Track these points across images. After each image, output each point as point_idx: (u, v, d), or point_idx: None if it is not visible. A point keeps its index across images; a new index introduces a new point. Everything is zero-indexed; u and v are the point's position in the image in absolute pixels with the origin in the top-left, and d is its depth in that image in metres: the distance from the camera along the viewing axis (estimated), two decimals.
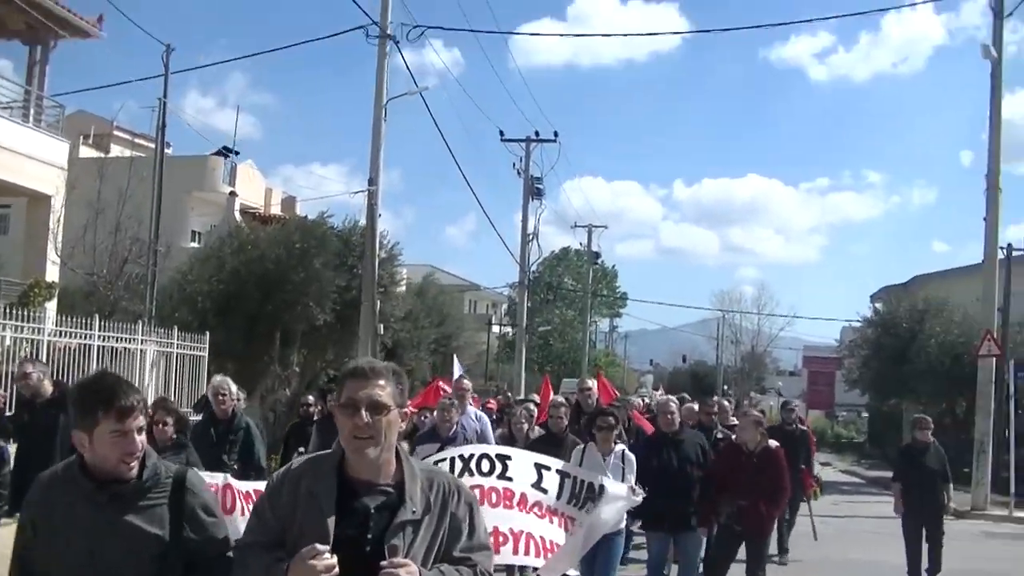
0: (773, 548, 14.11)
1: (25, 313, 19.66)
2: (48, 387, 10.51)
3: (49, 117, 28.91)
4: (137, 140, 44.04)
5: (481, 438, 12.37)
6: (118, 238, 29.19)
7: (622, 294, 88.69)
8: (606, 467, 9.87)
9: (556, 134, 45.74)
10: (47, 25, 27.72)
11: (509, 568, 10.58)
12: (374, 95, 26.01)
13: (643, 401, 23.53)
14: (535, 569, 9.24)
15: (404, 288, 36.45)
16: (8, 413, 12.23)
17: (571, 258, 79.85)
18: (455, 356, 25.07)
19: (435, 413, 12.61)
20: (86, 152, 40.82)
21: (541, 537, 8.63)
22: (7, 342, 18.83)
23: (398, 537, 3.65)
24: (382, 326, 26.70)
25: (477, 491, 8.47)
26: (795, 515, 16.63)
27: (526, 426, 12.24)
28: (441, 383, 18.50)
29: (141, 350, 22.11)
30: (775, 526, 12.84)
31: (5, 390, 14.39)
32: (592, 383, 14.99)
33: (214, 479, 8.10)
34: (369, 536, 3.67)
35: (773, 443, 11.41)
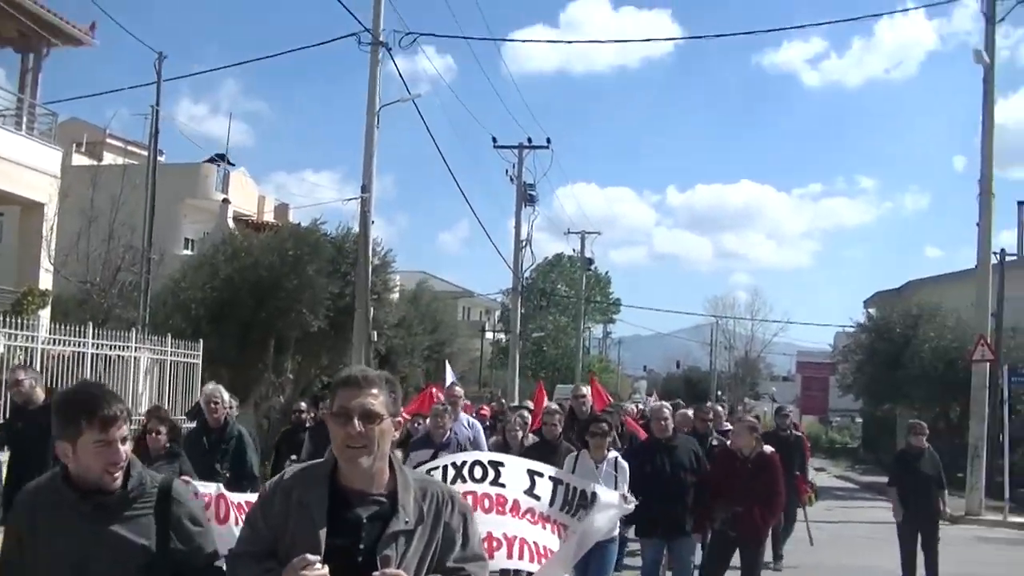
0: (768, 555, 14.06)
1: (19, 321, 19.64)
2: (40, 394, 10.49)
3: (42, 125, 28.91)
4: (130, 148, 44.03)
5: (474, 445, 12.37)
6: (111, 246, 29.22)
7: (616, 300, 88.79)
8: (598, 475, 9.88)
9: (549, 140, 45.76)
10: (39, 33, 27.73)
11: (504, 573, 10.57)
12: (366, 102, 26.00)
13: (637, 407, 23.55)
14: (529, 574, 9.25)
15: (397, 295, 36.42)
16: (0, 421, 12.21)
17: (564, 264, 79.82)
18: (447, 362, 25.03)
19: (428, 420, 12.60)
20: (79, 160, 40.83)
21: (535, 542, 8.63)
22: (0, 350, 18.81)
23: (390, 547, 3.62)
24: (376, 333, 26.68)
25: (470, 497, 8.47)
26: (792, 522, 16.62)
27: (520, 433, 12.22)
28: (435, 389, 18.48)
29: (135, 357, 22.09)
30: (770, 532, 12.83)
31: None
32: (587, 390, 14.89)
33: (208, 488, 8.09)
34: (361, 546, 3.64)
35: (768, 449, 11.40)
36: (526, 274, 51.77)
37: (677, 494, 10.96)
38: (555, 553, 8.77)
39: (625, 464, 10.38)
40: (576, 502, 9.12)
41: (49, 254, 27.62)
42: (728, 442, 12.45)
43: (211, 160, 45.14)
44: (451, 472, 8.86)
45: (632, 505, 9.65)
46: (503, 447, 11.93)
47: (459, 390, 15.42)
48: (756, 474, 10.93)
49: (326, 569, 3.49)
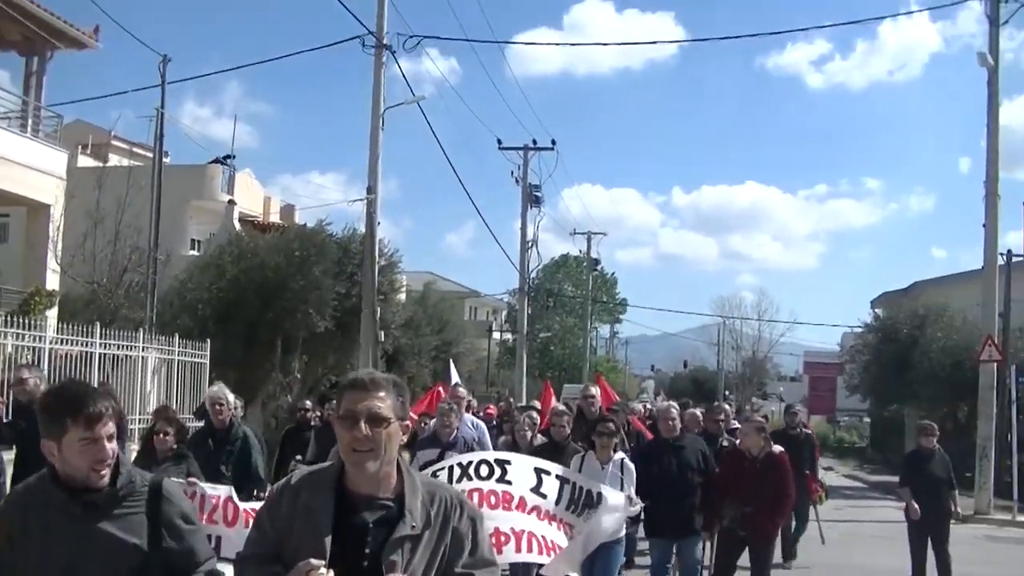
0: (777, 556, 13.98)
1: (26, 321, 19.65)
2: None
3: (47, 127, 28.93)
4: (135, 149, 44.10)
5: (480, 446, 12.33)
6: (117, 246, 29.19)
7: (622, 300, 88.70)
8: (604, 475, 9.84)
9: (554, 142, 45.73)
10: (43, 36, 27.73)
11: (513, 567, 10.55)
12: (371, 104, 26.00)
13: (644, 407, 23.51)
14: (539, 567, 9.25)
15: (404, 295, 36.46)
16: (6, 420, 12.19)
17: (571, 265, 79.77)
18: (451, 362, 25.02)
19: (435, 419, 12.58)
20: (84, 162, 40.79)
21: (543, 536, 8.64)
22: (8, 350, 18.82)
23: (397, 552, 3.58)
24: (382, 333, 26.70)
25: (476, 495, 8.49)
26: (805, 520, 16.51)
27: (530, 433, 12.17)
28: (441, 389, 18.46)
29: (142, 357, 22.10)
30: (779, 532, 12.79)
31: (3, 397, 14.35)
32: (595, 390, 14.75)
33: (217, 491, 8.10)
34: (367, 551, 3.60)
35: (777, 448, 11.37)
36: (532, 275, 51.79)
37: (684, 494, 10.95)
38: (563, 549, 8.77)
39: (631, 466, 10.34)
40: (582, 501, 9.12)
41: (56, 255, 27.63)
42: (737, 442, 12.42)
43: (216, 161, 45.12)
44: (457, 471, 8.87)
45: (638, 507, 9.64)
46: (512, 447, 11.90)
47: (463, 391, 15.38)
48: (765, 474, 10.90)
49: (331, 573, 3.45)
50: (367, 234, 26.34)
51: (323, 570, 3.44)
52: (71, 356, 19.72)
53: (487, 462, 9.09)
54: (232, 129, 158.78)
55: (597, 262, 68.05)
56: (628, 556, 13.74)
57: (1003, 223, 26.33)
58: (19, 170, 26.22)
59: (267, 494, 4.04)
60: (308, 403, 16.78)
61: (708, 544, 11.51)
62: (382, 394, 3.70)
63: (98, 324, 21.04)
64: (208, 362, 24.06)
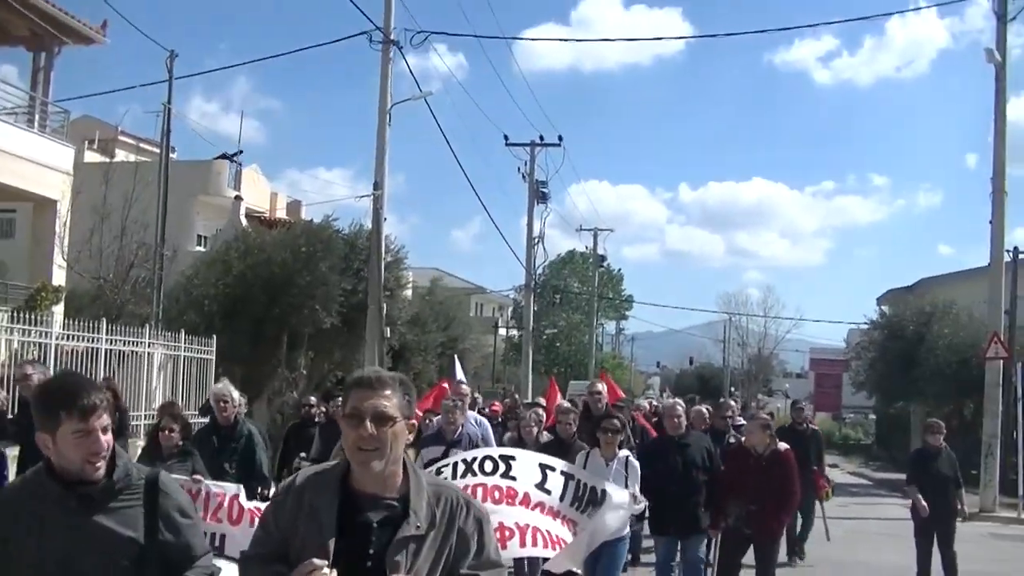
0: (782, 555, 13.94)
1: (32, 317, 19.68)
2: None
3: (54, 123, 28.97)
4: (142, 145, 44.05)
5: (483, 443, 12.31)
6: (124, 242, 29.25)
7: (628, 296, 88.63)
8: (609, 473, 9.82)
9: (560, 138, 45.59)
10: (51, 32, 27.76)
11: (517, 563, 10.56)
12: (378, 100, 26.00)
13: (650, 405, 23.49)
14: (544, 560, 9.26)
15: (410, 292, 36.46)
16: (10, 416, 12.20)
17: (577, 261, 79.67)
18: (456, 358, 25.04)
19: (440, 416, 12.58)
20: (91, 157, 40.85)
21: (548, 531, 8.64)
22: (15, 345, 18.86)
23: (401, 553, 3.54)
24: (388, 329, 26.71)
25: (480, 490, 8.50)
26: (811, 517, 16.46)
27: (536, 430, 12.17)
28: (446, 385, 18.43)
29: (148, 353, 22.12)
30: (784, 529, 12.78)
31: (8, 393, 14.36)
32: (602, 386, 14.69)
33: (223, 488, 8.10)
34: (371, 551, 3.57)
35: (783, 446, 11.35)
36: (539, 271, 51.71)
37: (689, 492, 10.93)
38: (567, 544, 8.78)
39: (636, 463, 10.31)
40: (586, 498, 9.12)
41: (62, 250, 27.69)
42: (743, 439, 12.40)
43: (223, 157, 45.13)
44: (461, 467, 8.88)
45: (642, 505, 9.64)
46: (518, 443, 11.90)
47: (466, 387, 15.36)
48: (770, 471, 10.89)
49: (334, 573, 3.43)
50: (373, 230, 26.35)
51: (326, 570, 3.43)
52: (77, 352, 19.74)
53: (491, 458, 9.10)
54: (239, 125, 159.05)
55: (603, 258, 67.99)
56: (633, 553, 13.79)
57: (1010, 220, 26.47)
58: (26, 165, 26.26)
59: (272, 493, 3.99)
60: (312, 399, 16.75)
61: (713, 542, 11.52)
62: (388, 392, 3.67)
63: (104, 320, 21.06)
64: (214, 358, 24.07)
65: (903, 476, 14.78)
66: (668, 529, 11.20)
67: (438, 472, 8.78)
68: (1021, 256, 33.40)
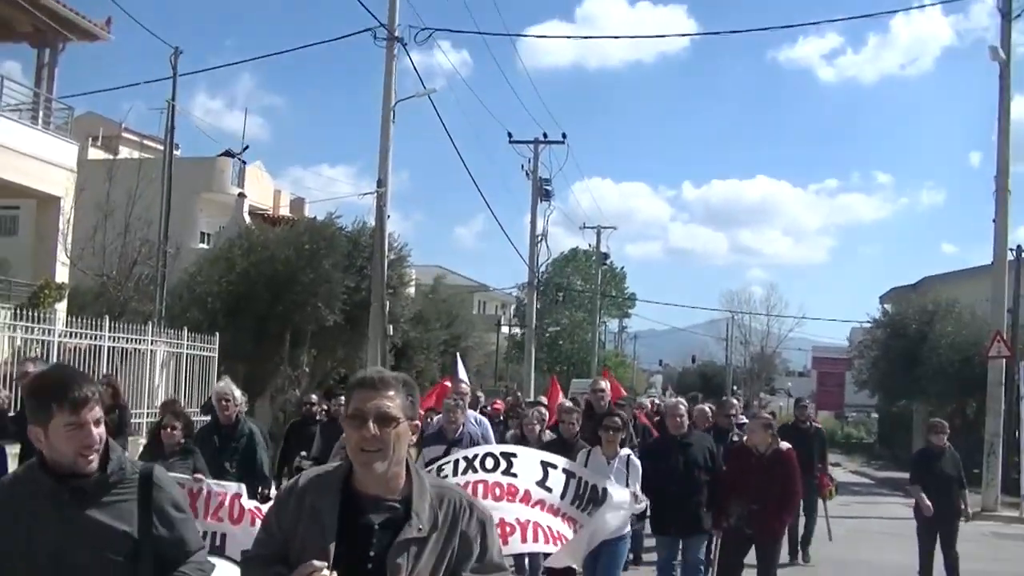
0: (784, 555, 13.89)
1: (35, 314, 19.70)
2: None
3: (58, 119, 28.97)
4: (146, 142, 44.13)
5: (484, 442, 12.30)
6: (127, 239, 29.27)
7: (631, 295, 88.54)
8: (609, 471, 9.80)
9: (564, 135, 45.60)
10: (55, 28, 27.77)
11: (518, 559, 10.56)
12: (382, 97, 26.00)
13: (652, 403, 23.48)
14: (545, 556, 9.26)
15: (413, 289, 36.46)
16: (11, 414, 12.21)
17: (580, 259, 79.57)
18: (458, 356, 25.05)
19: (441, 415, 12.58)
20: (95, 154, 40.90)
21: (548, 527, 8.65)
22: (17, 343, 18.88)
23: (402, 556, 3.51)
24: (391, 327, 26.72)
25: (481, 486, 8.52)
26: (813, 517, 16.33)
27: (538, 428, 12.17)
28: (448, 384, 18.40)
29: (151, 351, 22.14)
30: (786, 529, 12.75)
31: (10, 391, 14.38)
32: (605, 384, 14.64)
33: (224, 487, 8.10)
34: (372, 553, 3.54)
35: (784, 445, 11.34)
36: (542, 269, 51.70)
37: (691, 492, 10.90)
38: (568, 541, 8.79)
39: (637, 462, 10.27)
40: (587, 497, 9.13)
41: (65, 248, 27.70)
42: (744, 438, 12.38)
43: (225, 154, 45.16)
44: (462, 464, 8.88)
45: (643, 504, 9.63)
46: (521, 441, 11.90)
47: (465, 386, 15.34)
48: (772, 471, 10.87)
49: (334, 575, 3.42)
50: (377, 227, 26.36)
51: (325, 572, 3.41)
52: (80, 349, 19.76)
53: (493, 455, 9.11)
54: (243, 122, 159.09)
55: (606, 256, 67.92)
56: (635, 553, 13.77)
57: (1013, 218, 26.37)
58: (29, 162, 26.28)
59: (276, 494, 3.97)
60: (314, 397, 16.74)
61: (714, 541, 11.52)
62: (391, 393, 3.64)
63: (107, 317, 21.09)
64: (217, 355, 24.10)
65: (905, 475, 14.75)
66: (669, 529, 11.17)
67: (439, 469, 8.79)
68: None
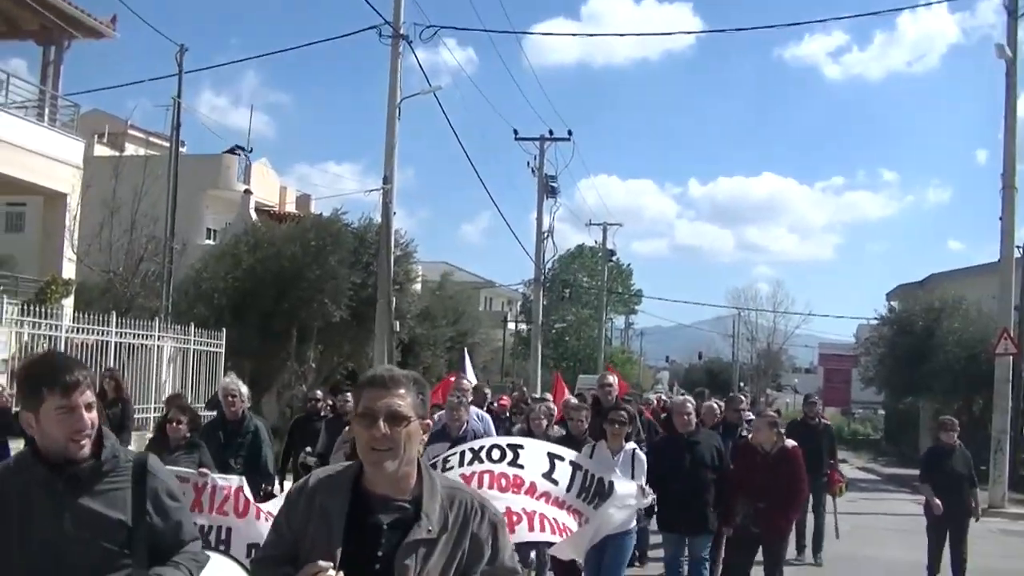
0: (791, 552, 13.81)
1: (42, 310, 19.74)
2: None
3: (64, 116, 29.00)
4: (152, 139, 44.15)
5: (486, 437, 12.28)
6: (134, 236, 29.33)
7: (637, 291, 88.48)
8: (615, 465, 9.76)
9: (570, 133, 45.58)
10: (61, 26, 27.79)
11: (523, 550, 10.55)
12: (388, 94, 26.00)
13: (658, 400, 23.46)
14: (548, 545, 9.25)
15: (419, 286, 36.50)
16: (16, 410, 12.21)
17: (586, 255, 79.60)
18: (466, 352, 25.00)
19: (444, 412, 12.53)
20: (101, 151, 40.91)
21: (555, 519, 8.63)
22: (25, 338, 18.92)
23: (411, 556, 3.48)
24: (398, 323, 26.73)
25: (487, 476, 8.50)
26: (821, 513, 15.91)
27: (545, 423, 12.15)
28: (454, 380, 18.36)
29: (158, 346, 22.18)
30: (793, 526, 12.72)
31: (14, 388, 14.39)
32: (613, 378, 14.58)
33: (229, 481, 8.09)
34: (380, 554, 3.50)
35: (790, 443, 11.28)
36: (548, 265, 51.71)
37: (697, 490, 10.85)
38: (572, 533, 8.78)
39: (643, 456, 10.24)
40: (594, 489, 9.10)
41: (72, 244, 27.74)
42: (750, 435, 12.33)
43: (230, 151, 45.18)
44: (468, 455, 8.87)
45: (650, 498, 9.60)
46: (527, 436, 11.89)
47: (467, 382, 15.30)
48: (777, 469, 10.84)
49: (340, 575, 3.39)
50: (383, 224, 26.37)
51: (331, 572, 3.39)
52: (87, 345, 19.80)
53: (499, 446, 9.07)
54: (249, 119, 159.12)
55: (613, 253, 68.02)
56: (640, 550, 13.72)
57: (1020, 216, 26.23)
58: (36, 159, 26.30)
59: (286, 493, 3.93)
60: (319, 393, 16.65)
61: (723, 540, 11.49)
62: (402, 391, 3.61)
63: (114, 313, 21.17)
64: (223, 351, 24.15)
65: (912, 471, 14.73)
66: (676, 527, 11.14)
67: (445, 461, 8.78)
68: None
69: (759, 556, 11.24)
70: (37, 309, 19.63)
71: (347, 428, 11.80)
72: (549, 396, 18.13)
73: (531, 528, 8.44)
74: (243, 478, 8.30)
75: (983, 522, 15.33)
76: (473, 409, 13.33)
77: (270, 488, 10.88)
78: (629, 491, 9.36)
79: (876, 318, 41.55)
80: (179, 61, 28.44)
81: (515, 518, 8.23)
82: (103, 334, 20.26)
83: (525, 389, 29.22)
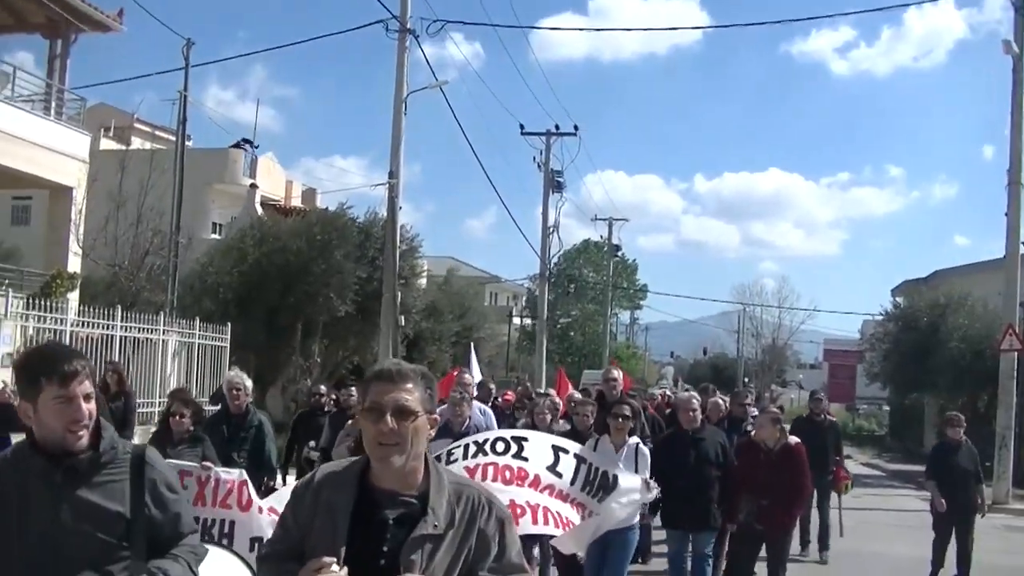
0: (795, 548, 13.78)
1: (48, 303, 19.76)
2: None
3: (70, 110, 29.01)
4: (158, 133, 44.22)
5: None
6: (139, 229, 29.38)
7: (642, 286, 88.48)
8: (618, 460, 9.74)
9: (576, 128, 45.56)
10: (67, 19, 27.80)
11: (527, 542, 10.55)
12: (394, 89, 25.99)
13: (662, 396, 23.46)
14: (551, 538, 9.25)
15: (425, 280, 36.50)
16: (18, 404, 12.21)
17: (592, 250, 79.55)
18: (472, 346, 24.98)
19: (446, 407, 12.52)
20: (107, 145, 40.97)
21: (558, 512, 8.62)
22: (30, 332, 18.94)
23: (416, 552, 3.45)
24: (403, 318, 26.74)
25: (491, 468, 8.49)
26: (826, 511, 15.83)
27: (549, 417, 12.14)
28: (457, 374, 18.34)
29: (163, 340, 22.20)
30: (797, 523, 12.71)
31: None
32: (617, 373, 14.57)
33: (231, 474, 8.10)
34: (385, 549, 3.48)
35: (793, 439, 11.27)
36: (553, 260, 51.71)
37: (702, 487, 10.81)
38: (576, 526, 8.78)
39: (646, 450, 10.21)
40: (598, 483, 9.09)
41: (78, 238, 27.76)
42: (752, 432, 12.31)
43: (236, 145, 45.20)
44: (472, 448, 8.86)
45: (655, 492, 9.58)
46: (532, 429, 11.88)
47: (469, 376, 15.29)
48: (780, 466, 10.82)
49: (344, 571, 3.36)
50: (389, 218, 26.37)
51: (335, 568, 3.36)
52: (92, 339, 19.82)
53: (503, 439, 9.06)
54: (255, 113, 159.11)
55: (618, 248, 67.91)
56: (644, 546, 13.70)
57: None
58: (42, 153, 26.32)
59: (293, 488, 3.91)
60: (323, 388, 16.63)
61: (727, 536, 11.49)
62: (409, 386, 3.57)
63: (119, 307, 21.17)
64: (228, 346, 24.16)
65: (917, 467, 14.71)
66: (679, 524, 11.12)
67: (449, 454, 8.78)
68: None
69: (763, 552, 11.25)
70: (42, 303, 19.64)
71: (350, 422, 11.82)
72: (552, 391, 18.10)
73: (535, 521, 8.44)
74: (243, 471, 8.32)
75: (987, 518, 15.32)
76: (476, 404, 13.33)
77: (272, 483, 10.89)
78: (633, 485, 9.34)
79: (881, 314, 41.61)
80: (186, 55, 28.45)
81: (519, 511, 8.22)
82: (108, 328, 20.28)
83: (529, 384, 29.22)
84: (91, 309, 20.26)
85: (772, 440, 11.00)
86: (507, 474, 8.59)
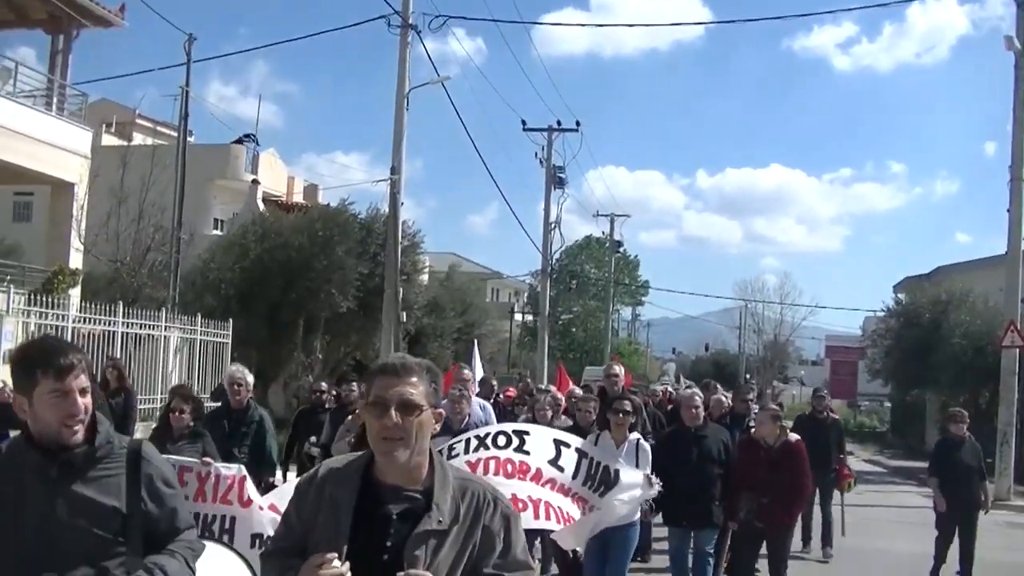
0: (796, 545, 13.76)
1: (49, 300, 19.77)
2: None
3: (72, 105, 29.00)
4: (159, 128, 44.24)
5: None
6: (141, 225, 29.38)
7: (644, 282, 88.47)
8: (619, 455, 9.73)
9: (578, 123, 45.63)
10: (69, 14, 27.79)
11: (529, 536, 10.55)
12: (396, 85, 25.99)
13: (664, 392, 23.46)
14: (550, 532, 9.25)
15: (427, 276, 36.52)
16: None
17: (593, 246, 79.52)
18: (475, 343, 24.96)
19: (445, 404, 12.50)
20: (109, 140, 41.00)
21: (559, 507, 8.62)
22: (31, 328, 18.94)
23: (420, 548, 3.40)
24: (405, 314, 26.76)
25: (493, 462, 8.50)
26: (828, 509, 15.73)
27: (550, 413, 12.13)
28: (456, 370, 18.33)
29: (165, 336, 22.22)
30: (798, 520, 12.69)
31: None
32: (619, 368, 14.54)
33: (230, 470, 8.09)
34: (389, 544, 3.44)
35: (793, 437, 11.24)
36: (555, 256, 51.71)
37: (703, 484, 10.77)
38: (576, 521, 8.78)
39: (647, 446, 10.18)
40: (599, 478, 9.08)
41: (79, 233, 27.76)
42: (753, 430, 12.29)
43: (238, 141, 45.21)
44: (474, 442, 8.86)
45: (656, 488, 9.56)
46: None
47: (467, 372, 15.29)
48: (781, 463, 10.79)
49: (346, 566, 3.33)
50: (390, 214, 26.38)
51: (337, 563, 3.33)
52: (94, 335, 19.83)
53: (505, 433, 9.06)
54: (257, 109, 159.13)
55: (620, 244, 67.94)
56: (644, 544, 13.68)
57: None
58: (43, 148, 26.32)
59: (296, 484, 3.88)
60: (324, 385, 16.61)
61: (728, 533, 11.48)
62: (414, 380, 3.54)
63: (121, 303, 21.19)
64: (230, 342, 24.18)
65: (918, 464, 14.68)
66: (681, 521, 11.10)
67: (450, 449, 8.78)
68: None
69: (764, 550, 11.25)
70: (44, 299, 19.66)
71: (350, 417, 11.81)
72: (552, 388, 18.10)
73: (536, 516, 8.44)
74: (242, 467, 8.31)
75: (989, 515, 15.31)
76: (476, 400, 13.33)
77: (271, 479, 10.89)
78: (635, 480, 9.34)
79: (883, 310, 41.57)
80: (187, 50, 28.46)
81: (520, 505, 8.21)
82: (110, 324, 20.29)
83: (531, 380, 29.23)
84: (93, 305, 20.28)
85: (772, 437, 10.97)
86: (509, 468, 8.59)
